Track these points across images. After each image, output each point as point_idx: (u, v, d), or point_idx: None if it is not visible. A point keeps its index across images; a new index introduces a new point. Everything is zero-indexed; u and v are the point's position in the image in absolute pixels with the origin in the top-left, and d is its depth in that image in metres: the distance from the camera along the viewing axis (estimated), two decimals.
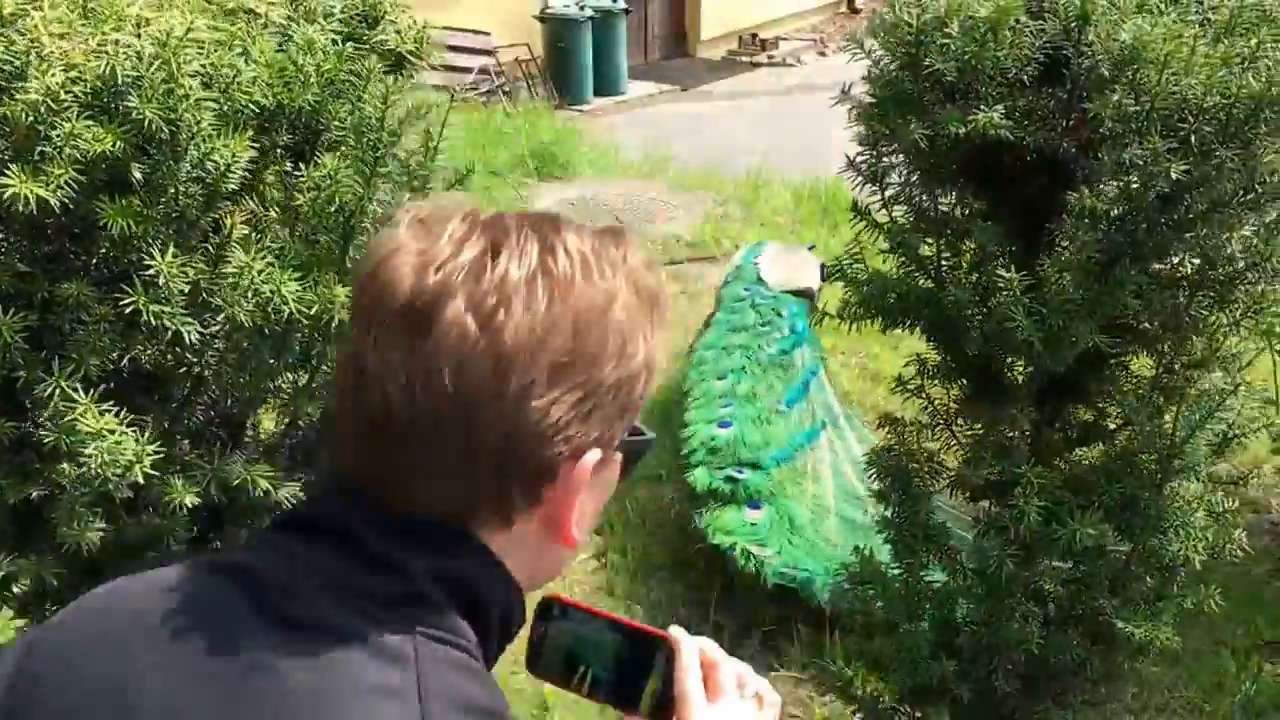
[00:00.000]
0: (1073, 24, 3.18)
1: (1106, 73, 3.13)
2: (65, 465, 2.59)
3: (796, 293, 6.44)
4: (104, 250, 2.66)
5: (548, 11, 15.29)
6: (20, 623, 3.03)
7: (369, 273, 1.17)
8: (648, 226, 9.55)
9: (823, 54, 17.33)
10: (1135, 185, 3.03)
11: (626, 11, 15.73)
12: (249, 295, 2.56)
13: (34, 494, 2.68)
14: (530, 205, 10.05)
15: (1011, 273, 3.14)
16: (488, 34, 14.03)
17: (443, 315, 1.12)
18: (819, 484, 5.42)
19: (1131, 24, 3.01)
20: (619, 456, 1.25)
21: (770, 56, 17.02)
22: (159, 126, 2.45)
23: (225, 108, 2.62)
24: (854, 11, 18.95)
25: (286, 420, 2.98)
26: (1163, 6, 3.22)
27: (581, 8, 15.24)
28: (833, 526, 5.25)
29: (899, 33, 3.32)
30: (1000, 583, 3.35)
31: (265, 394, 2.89)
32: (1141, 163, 3.01)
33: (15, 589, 2.80)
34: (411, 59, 3.20)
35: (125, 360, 2.68)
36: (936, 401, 3.72)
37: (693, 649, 1.35)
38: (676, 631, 1.37)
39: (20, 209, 2.37)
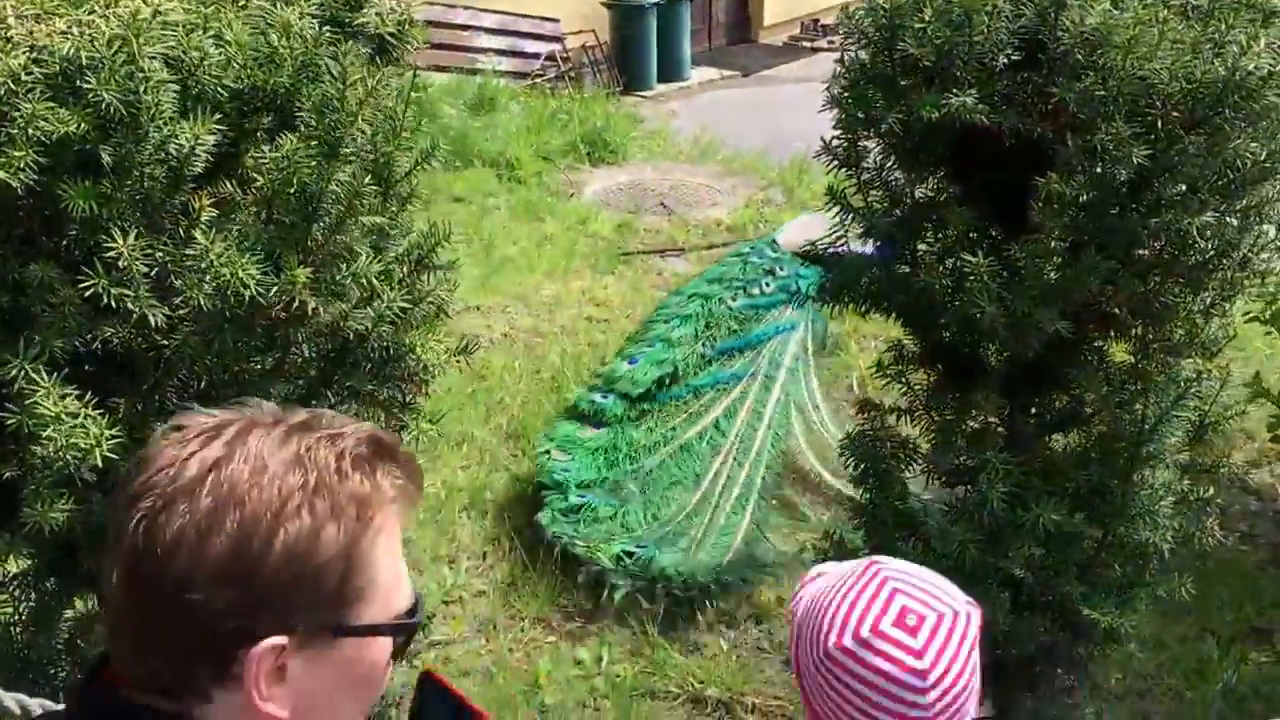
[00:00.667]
0: (1048, 9, 3.18)
1: (1080, 58, 3.13)
2: (36, 447, 2.68)
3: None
4: (73, 233, 2.74)
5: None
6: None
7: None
8: (691, 211, 9.57)
9: None
10: (1101, 171, 3.03)
11: None
12: (208, 278, 2.62)
13: (6, 474, 2.76)
14: (580, 190, 10.12)
15: (979, 258, 3.15)
16: (556, 20, 14.09)
17: (129, 516, 1.28)
18: (695, 424, 5.65)
19: (1100, 9, 3.00)
20: (377, 642, 1.37)
21: (831, 42, 16.90)
22: (117, 109, 2.51)
23: (193, 90, 2.69)
24: None
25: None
26: None
27: None
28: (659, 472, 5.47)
29: (875, 17, 3.34)
30: (965, 567, 3.36)
31: (233, 376, 2.95)
32: (1108, 147, 3.01)
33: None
34: (393, 42, 3.27)
35: (97, 343, 2.74)
36: (916, 387, 3.73)
37: None
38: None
39: None
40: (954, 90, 3.17)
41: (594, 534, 5.20)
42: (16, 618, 3.08)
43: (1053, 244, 3.07)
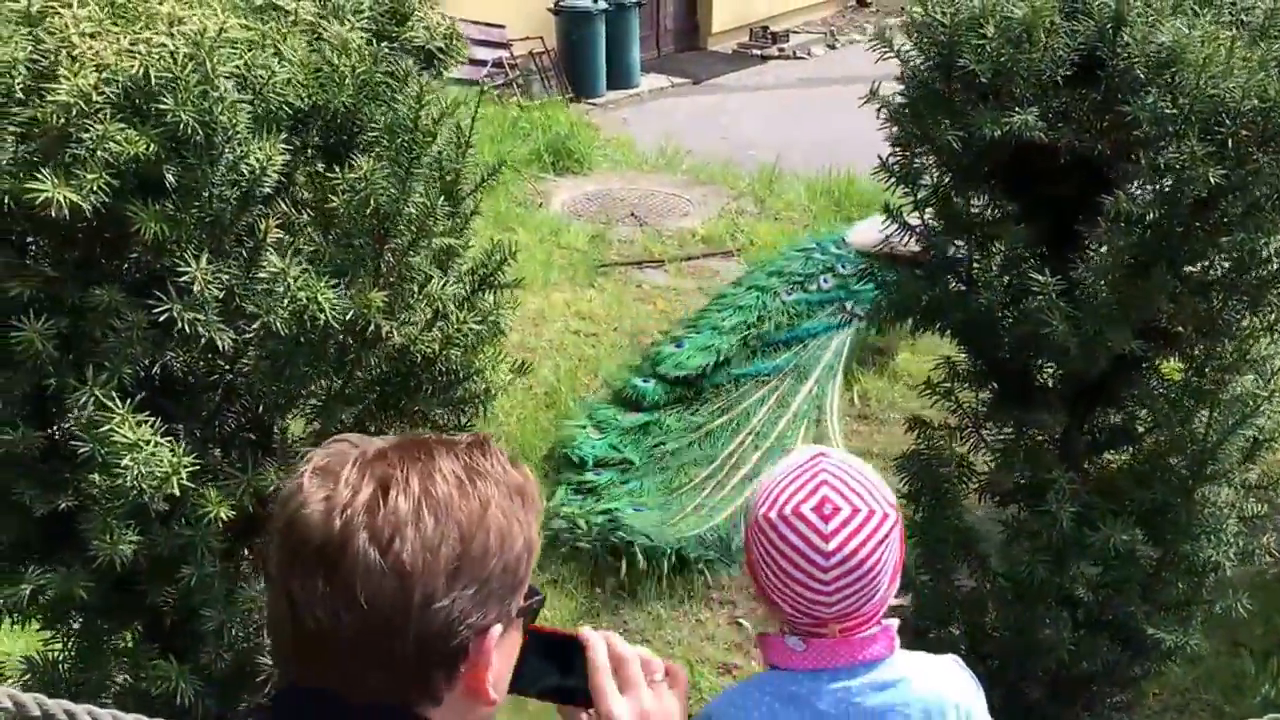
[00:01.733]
0: (1107, 25, 3.15)
1: (1142, 75, 3.10)
2: (96, 476, 2.56)
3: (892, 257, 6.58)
4: (135, 255, 2.63)
5: (562, 4, 15.20)
6: (47, 634, 2.99)
7: (285, 523, 1.42)
8: (663, 222, 9.50)
9: (833, 46, 17.25)
10: (1170, 188, 3.01)
11: (639, 4, 15.65)
12: (285, 302, 2.52)
13: (63, 505, 2.65)
14: (548, 200, 10.02)
15: (1046, 276, 3.11)
16: (502, 26, 13.95)
17: (351, 550, 1.37)
18: (726, 413, 5.76)
19: (1170, 26, 2.98)
20: (519, 620, 1.51)
21: (780, 49, 16.92)
22: (194, 129, 2.41)
23: (259, 109, 2.59)
24: (863, 5, 18.86)
25: (317, 425, 2.95)
26: (1198, 9, 3.18)
27: (595, 0, 15.18)
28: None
29: (932, 32, 3.29)
30: (1031, 588, 3.32)
31: (298, 400, 2.86)
32: (1177, 166, 2.98)
33: (42, 600, 2.75)
34: (442, 56, 3.18)
35: (155, 369, 2.64)
36: (965, 405, 3.70)
37: (600, 646, 1.63)
38: (586, 632, 1.65)
39: (54, 213, 2.34)
40: (1015, 107, 3.14)
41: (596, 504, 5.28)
42: (65, 654, 2.96)
43: (1120, 261, 3.03)
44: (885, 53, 3.63)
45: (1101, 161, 3.26)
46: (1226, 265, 3.15)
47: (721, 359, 5.87)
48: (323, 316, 2.55)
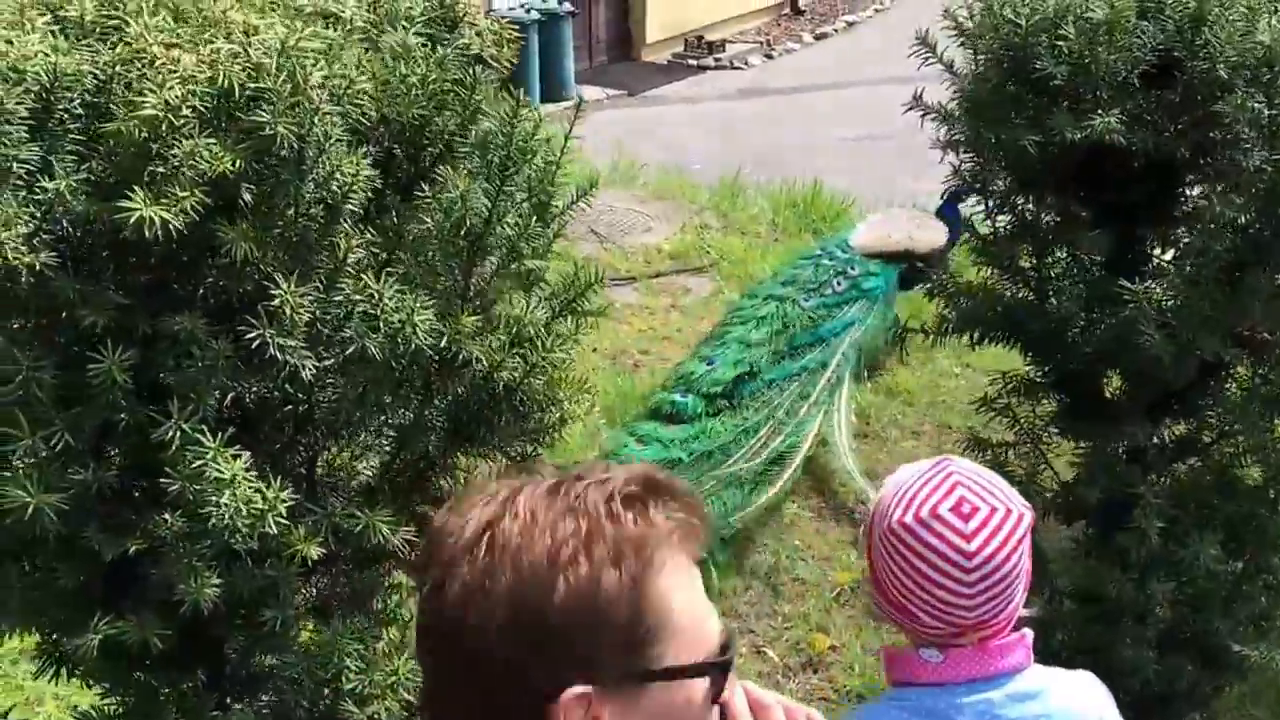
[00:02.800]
0: (1186, 25, 3.07)
1: (1224, 75, 3.03)
2: (170, 516, 2.38)
3: (892, 255, 6.70)
4: (211, 279, 2.45)
5: (491, 14, 15.07)
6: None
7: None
8: (626, 238, 9.35)
9: (770, 56, 17.19)
10: (1265, 190, 2.93)
11: (573, 14, 15.51)
12: (380, 326, 2.35)
13: (132, 548, 2.45)
14: None
15: (1137, 284, 3.02)
16: None
17: (421, 593, 1.35)
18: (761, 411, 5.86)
19: (1265, 24, 2.90)
20: (689, 685, 1.35)
21: (717, 59, 16.83)
22: (289, 142, 2.24)
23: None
24: (798, 13, 18.85)
25: (387, 457, 2.78)
26: (1276, 5, 3.12)
27: (527, 10, 15.00)
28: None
29: (1001, 33, 3.20)
30: (1112, 607, 3.23)
31: (373, 430, 2.69)
32: (1270, 168, 2.91)
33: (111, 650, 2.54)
34: (492, 61, 3.01)
35: (227, 399, 2.45)
36: (1024, 419, 3.61)
37: (740, 695, 1.46)
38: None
39: (147, 234, 2.16)
40: (1093, 110, 3.05)
41: None
42: (122, 707, 2.75)
43: (1216, 266, 2.95)
44: (929, 58, 3.54)
45: (1179, 164, 3.18)
46: None
47: (753, 370, 5.92)
48: (415, 341, 2.39)
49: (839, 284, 6.43)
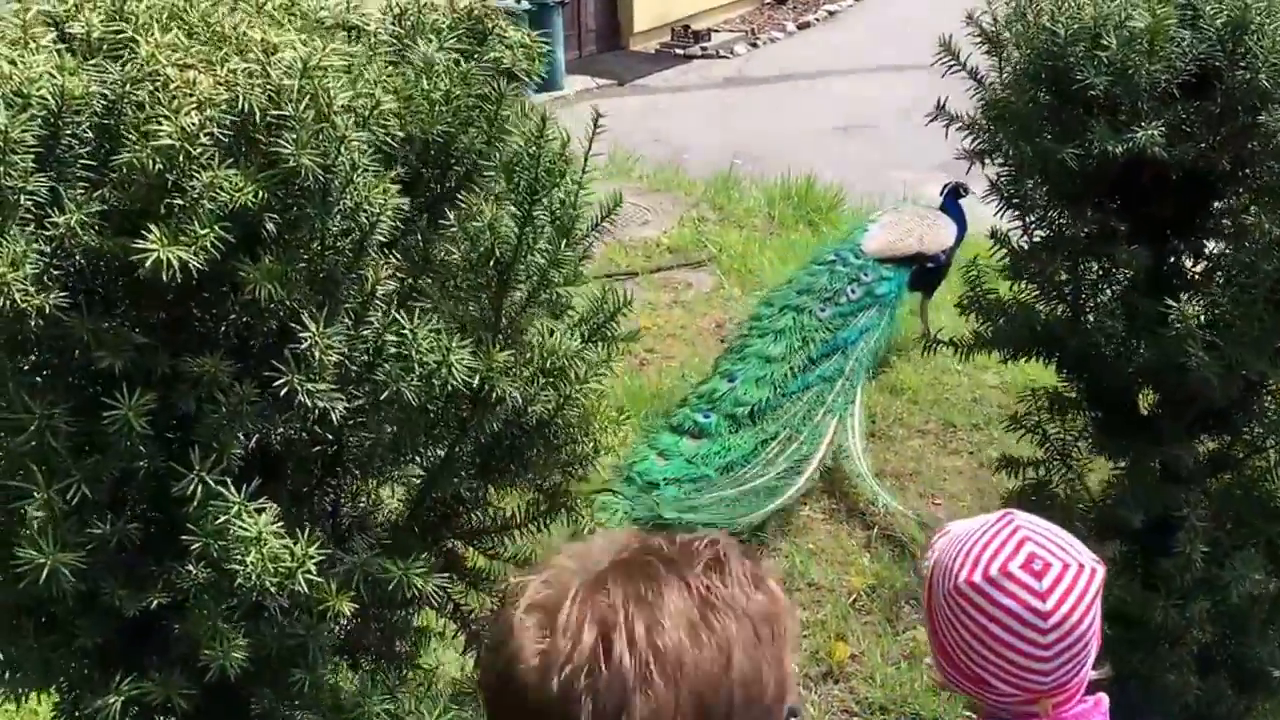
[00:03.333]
0: (1226, 34, 2.97)
1: (1267, 84, 2.93)
2: (194, 568, 2.26)
3: (904, 258, 6.64)
4: (233, 316, 2.32)
5: (486, 2, 14.91)
6: None
7: (499, 675, 1.27)
8: (624, 231, 9.21)
9: (755, 44, 17.11)
10: None
11: (563, 4, 15.37)
12: (414, 367, 2.23)
13: (154, 603, 2.33)
14: None
15: (1184, 304, 2.92)
16: None
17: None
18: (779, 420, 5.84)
19: None
20: None
21: (704, 48, 16.73)
22: (314, 174, 2.11)
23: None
24: (781, 2, 18.74)
25: (416, 495, 2.66)
26: None
27: (519, 0, 14.85)
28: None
29: (1037, 43, 3.09)
30: (1161, 631, 3.14)
31: (403, 470, 2.57)
32: None
33: (133, 711, 2.41)
34: (521, 75, 2.87)
35: (251, 442, 2.33)
36: (1054, 436, 3.51)
37: None
38: None
39: (164, 276, 2.03)
40: (1134, 122, 2.95)
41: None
42: None
43: (1266, 285, 2.86)
44: (953, 66, 3.44)
45: (1217, 177, 3.08)
46: None
47: (775, 385, 5.87)
48: (452, 383, 2.27)
49: (853, 291, 6.37)
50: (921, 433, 6.51)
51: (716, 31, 17.47)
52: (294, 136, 2.09)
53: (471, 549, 2.85)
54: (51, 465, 2.17)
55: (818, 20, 18.20)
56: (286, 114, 2.11)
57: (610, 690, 1.22)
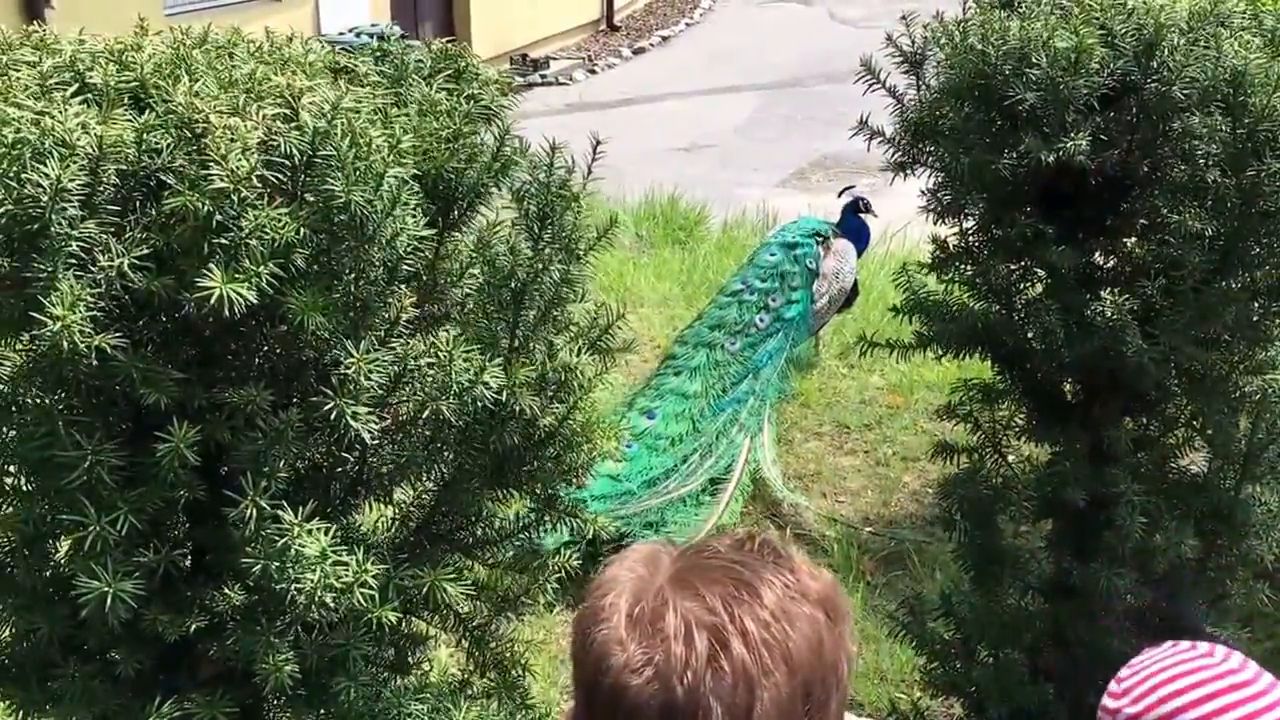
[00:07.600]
0: (1141, 51, 3.24)
1: (1179, 96, 3.20)
2: (229, 590, 2.34)
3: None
4: (266, 348, 2.41)
5: (324, 36, 14.85)
6: None
7: (608, 690, 1.33)
8: None
9: (593, 71, 17.38)
10: (1240, 204, 3.11)
11: (403, 37, 15.42)
12: (451, 385, 2.34)
13: (192, 627, 2.40)
14: None
15: (1115, 297, 3.17)
16: None
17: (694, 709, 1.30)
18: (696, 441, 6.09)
19: (1229, 46, 3.08)
20: None
21: (543, 76, 16.93)
22: (360, 209, 2.22)
23: None
24: (614, 29, 19.06)
25: (427, 509, 2.76)
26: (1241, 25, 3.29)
27: (357, 34, 14.82)
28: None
29: (966, 64, 3.32)
30: (1102, 599, 3.39)
31: (418, 487, 2.67)
32: (1245, 184, 3.08)
33: None
34: (498, 112, 3.00)
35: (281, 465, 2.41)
36: (984, 424, 3.75)
37: None
38: None
39: (226, 311, 2.11)
40: (1060, 133, 3.20)
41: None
42: None
43: (1196, 279, 3.13)
44: (873, 84, 3.66)
45: (1134, 181, 3.35)
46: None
47: (693, 419, 6.12)
48: (484, 401, 2.39)
49: (762, 320, 6.61)
50: (818, 435, 6.78)
51: (555, 59, 17.68)
52: (342, 174, 2.18)
53: (471, 559, 2.95)
54: (100, 500, 2.23)
55: (652, 46, 18.57)
56: (329, 154, 2.21)
57: (737, 689, 1.31)
